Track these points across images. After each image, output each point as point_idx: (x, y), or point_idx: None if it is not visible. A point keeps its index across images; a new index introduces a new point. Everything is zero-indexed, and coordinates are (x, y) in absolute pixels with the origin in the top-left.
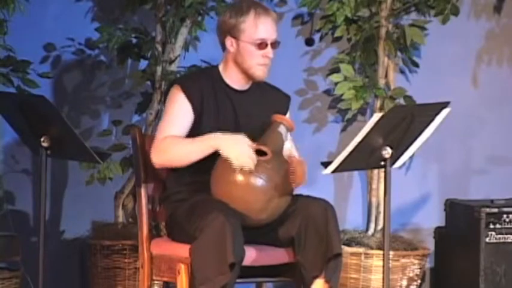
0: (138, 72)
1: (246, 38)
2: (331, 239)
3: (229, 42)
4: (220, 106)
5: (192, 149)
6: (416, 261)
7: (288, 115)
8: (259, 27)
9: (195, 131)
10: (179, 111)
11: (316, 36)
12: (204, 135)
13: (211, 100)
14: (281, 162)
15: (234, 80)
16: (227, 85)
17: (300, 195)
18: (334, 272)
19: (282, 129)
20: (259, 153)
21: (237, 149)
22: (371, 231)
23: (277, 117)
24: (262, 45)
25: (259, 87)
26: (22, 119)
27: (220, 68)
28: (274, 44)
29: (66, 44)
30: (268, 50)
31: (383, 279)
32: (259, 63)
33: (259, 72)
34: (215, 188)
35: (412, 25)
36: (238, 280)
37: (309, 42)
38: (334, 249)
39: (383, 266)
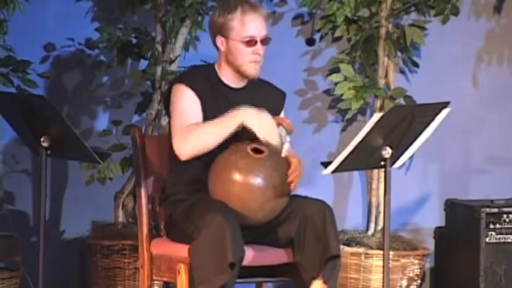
0: (138, 72)
1: (234, 36)
2: (328, 241)
3: (220, 41)
4: (218, 104)
5: (217, 128)
6: (416, 261)
7: (282, 113)
8: (247, 24)
9: None
10: (190, 104)
11: (316, 36)
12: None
13: (211, 97)
14: (280, 162)
15: (229, 78)
16: (224, 84)
17: (299, 196)
18: (333, 273)
19: (281, 130)
20: (256, 151)
21: (262, 121)
22: (371, 231)
23: (277, 118)
24: (251, 42)
25: (255, 84)
26: (22, 119)
27: (216, 66)
28: (264, 41)
29: (66, 44)
30: (258, 47)
31: (383, 279)
32: (250, 61)
33: (251, 69)
34: (213, 186)
35: (412, 25)
36: (238, 280)
37: (310, 42)
38: (332, 251)
39: (383, 266)
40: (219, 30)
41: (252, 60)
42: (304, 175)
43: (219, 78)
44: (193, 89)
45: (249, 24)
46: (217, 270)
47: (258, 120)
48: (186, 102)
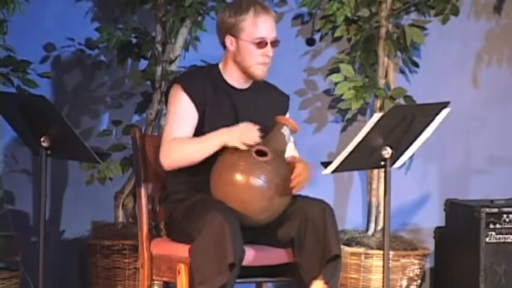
0: (138, 72)
1: (245, 37)
2: (329, 241)
3: (229, 41)
4: (220, 104)
5: (200, 147)
6: (416, 261)
7: (287, 115)
8: (258, 25)
9: (197, 129)
10: (183, 111)
11: (316, 36)
12: (208, 133)
13: (212, 98)
14: (282, 163)
15: (234, 78)
16: (227, 84)
17: (299, 196)
18: (334, 273)
19: (285, 130)
20: (260, 154)
21: (239, 133)
22: (371, 231)
23: (281, 118)
24: (261, 44)
25: (259, 86)
26: (22, 119)
27: (221, 66)
28: (274, 43)
29: (66, 44)
30: (268, 49)
31: (383, 279)
32: (258, 62)
33: (259, 71)
34: (214, 188)
35: (412, 25)
36: (238, 280)
37: (310, 42)
38: (333, 251)
39: (383, 266)
40: (229, 29)
41: (261, 62)
42: (310, 179)
43: (222, 78)
44: (189, 93)
45: (261, 26)
46: (217, 271)
47: (237, 136)
48: (180, 108)
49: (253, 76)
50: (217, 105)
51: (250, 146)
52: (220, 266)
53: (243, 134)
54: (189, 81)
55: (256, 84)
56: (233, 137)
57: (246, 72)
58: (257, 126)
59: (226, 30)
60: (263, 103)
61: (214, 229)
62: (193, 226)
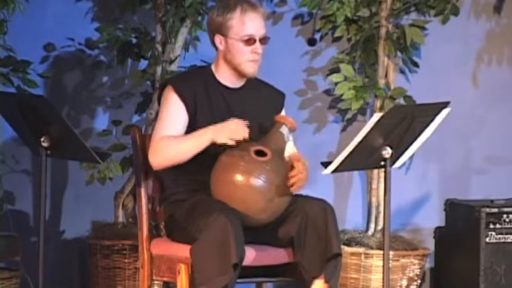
0: (138, 72)
1: (233, 35)
2: (330, 239)
3: (218, 40)
4: (213, 105)
5: (188, 144)
6: (416, 261)
7: (283, 112)
8: (246, 23)
9: (190, 130)
10: (173, 113)
11: (317, 36)
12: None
13: (204, 99)
14: (281, 163)
15: (226, 77)
16: (220, 83)
17: (300, 195)
18: (334, 272)
19: (284, 129)
20: (260, 153)
21: (227, 129)
22: (371, 231)
23: (280, 117)
24: (250, 41)
25: (253, 85)
26: (22, 119)
27: (213, 66)
28: (263, 40)
29: (66, 44)
30: (257, 46)
31: (383, 279)
32: (248, 60)
33: (250, 68)
34: (215, 188)
35: (412, 25)
36: (238, 280)
37: (311, 42)
38: (334, 249)
39: (383, 266)
40: (218, 28)
41: (251, 59)
42: (308, 178)
43: (215, 78)
44: (180, 94)
45: (248, 23)
46: (219, 271)
47: (225, 132)
48: (171, 110)
49: (244, 74)
50: (210, 105)
51: (238, 142)
52: (223, 267)
53: (231, 131)
54: (180, 83)
55: (250, 82)
56: (220, 134)
57: (237, 70)
58: (245, 122)
59: (215, 29)
60: (258, 101)
61: (217, 230)
62: (194, 226)
